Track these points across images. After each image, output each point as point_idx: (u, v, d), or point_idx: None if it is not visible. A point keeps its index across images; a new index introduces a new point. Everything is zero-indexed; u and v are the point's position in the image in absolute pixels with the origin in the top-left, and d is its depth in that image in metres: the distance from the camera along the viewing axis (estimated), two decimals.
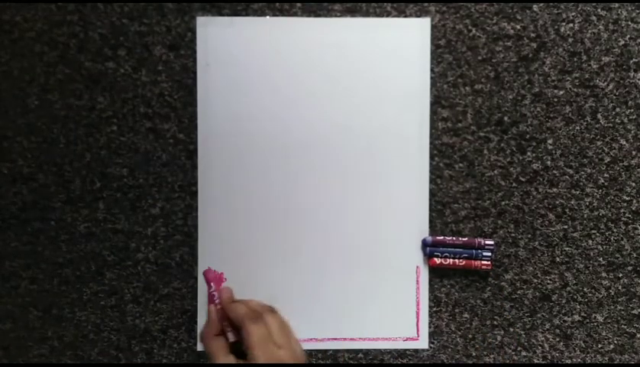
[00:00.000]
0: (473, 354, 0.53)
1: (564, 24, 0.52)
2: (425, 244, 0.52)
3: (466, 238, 0.52)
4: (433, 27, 0.52)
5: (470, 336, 0.53)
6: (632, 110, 0.52)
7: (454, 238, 0.52)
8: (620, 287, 0.53)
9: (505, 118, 0.52)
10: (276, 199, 0.52)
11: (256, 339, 0.44)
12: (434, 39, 0.52)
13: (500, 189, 0.52)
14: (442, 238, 0.52)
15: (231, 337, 0.48)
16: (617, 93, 0.52)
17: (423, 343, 0.53)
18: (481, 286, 0.53)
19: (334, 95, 0.52)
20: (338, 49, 0.52)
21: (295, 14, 0.52)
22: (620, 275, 0.53)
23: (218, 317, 0.49)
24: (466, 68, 0.52)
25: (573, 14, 0.52)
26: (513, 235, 0.53)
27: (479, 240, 0.52)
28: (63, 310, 0.52)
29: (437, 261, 0.52)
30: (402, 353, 0.53)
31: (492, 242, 0.52)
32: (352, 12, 0.52)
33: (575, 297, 0.53)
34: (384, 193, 0.52)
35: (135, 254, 0.52)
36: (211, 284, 0.51)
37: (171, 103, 0.52)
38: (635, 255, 0.52)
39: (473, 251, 0.51)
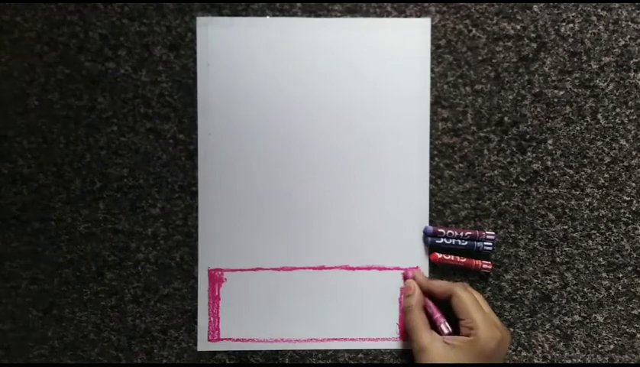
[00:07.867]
0: None
1: (564, 24, 0.52)
2: (426, 233, 0.52)
3: (467, 229, 0.52)
4: (433, 27, 0.52)
5: None
6: (632, 110, 0.52)
7: (455, 227, 0.52)
8: (620, 287, 0.53)
9: (506, 119, 0.52)
10: (276, 199, 0.52)
11: (470, 303, 0.47)
12: (434, 39, 0.52)
13: (500, 189, 0.52)
14: (443, 230, 0.51)
15: (445, 329, 0.48)
16: (617, 93, 0.52)
17: None
18: (481, 286, 0.53)
19: (333, 96, 0.52)
20: (338, 49, 0.52)
21: (295, 14, 0.52)
22: (620, 275, 0.53)
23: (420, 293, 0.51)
24: (466, 68, 0.52)
25: (573, 14, 0.52)
26: (513, 235, 0.53)
27: (480, 232, 0.51)
28: (63, 310, 0.52)
29: (439, 255, 0.52)
30: (402, 353, 0.53)
31: (493, 234, 0.51)
32: (352, 12, 0.52)
33: (575, 297, 0.53)
34: (384, 193, 0.52)
35: (135, 255, 0.52)
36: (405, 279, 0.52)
37: (171, 103, 0.52)
38: (635, 255, 0.52)
39: (475, 242, 0.51)
